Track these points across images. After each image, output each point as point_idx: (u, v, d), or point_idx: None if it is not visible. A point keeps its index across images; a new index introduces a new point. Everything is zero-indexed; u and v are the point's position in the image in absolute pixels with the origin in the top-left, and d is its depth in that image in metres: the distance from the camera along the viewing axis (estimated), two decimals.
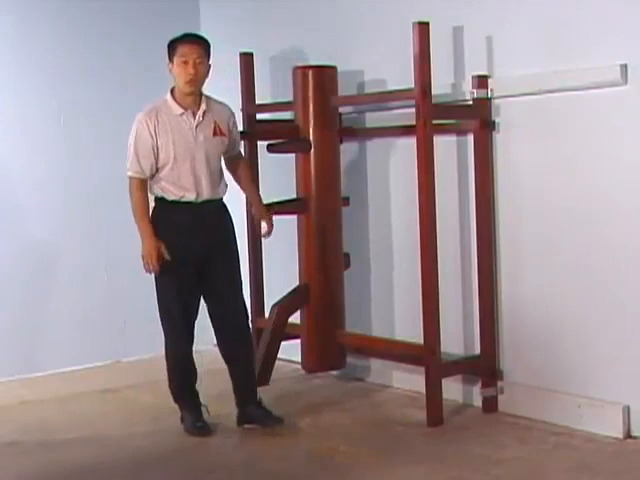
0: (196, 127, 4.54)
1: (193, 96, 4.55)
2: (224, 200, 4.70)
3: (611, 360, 4.36)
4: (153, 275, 4.59)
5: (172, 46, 4.57)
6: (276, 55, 5.96)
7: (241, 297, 4.75)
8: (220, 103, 4.70)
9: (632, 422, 4.30)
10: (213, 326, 4.71)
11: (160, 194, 4.56)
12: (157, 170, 4.53)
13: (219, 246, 4.61)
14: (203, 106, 4.56)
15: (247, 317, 4.75)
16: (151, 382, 5.36)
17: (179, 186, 4.52)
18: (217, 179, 4.62)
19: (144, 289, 5.91)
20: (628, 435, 4.31)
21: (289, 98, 5.36)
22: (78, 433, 4.78)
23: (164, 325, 4.64)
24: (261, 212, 4.93)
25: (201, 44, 4.57)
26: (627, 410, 4.30)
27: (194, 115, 4.54)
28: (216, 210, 4.63)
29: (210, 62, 4.60)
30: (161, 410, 4.99)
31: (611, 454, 4.15)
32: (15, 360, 5.83)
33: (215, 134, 4.59)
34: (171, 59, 4.55)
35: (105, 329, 6.11)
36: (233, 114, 4.75)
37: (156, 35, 6.33)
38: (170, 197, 4.54)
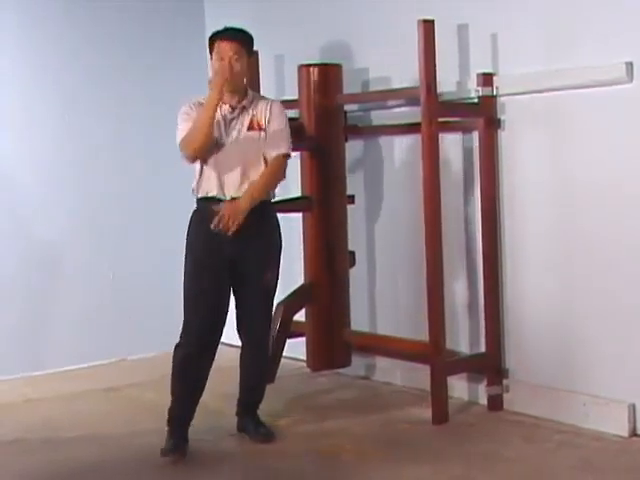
0: (230, 120, 4.32)
1: (233, 92, 4.33)
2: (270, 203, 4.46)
3: (616, 358, 4.34)
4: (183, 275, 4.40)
5: (211, 41, 4.37)
6: (281, 53, 5.96)
7: (267, 312, 4.52)
8: (266, 99, 4.47)
9: (637, 420, 4.29)
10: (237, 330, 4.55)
11: (193, 194, 4.40)
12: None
13: (249, 251, 4.34)
14: (244, 102, 4.35)
15: (266, 333, 4.55)
16: (155, 380, 5.35)
17: (205, 180, 4.33)
18: (253, 177, 4.33)
19: (149, 288, 5.94)
20: (633, 433, 4.29)
21: (294, 96, 5.35)
22: (82, 431, 4.78)
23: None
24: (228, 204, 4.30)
25: (238, 40, 4.31)
26: (632, 408, 4.29)
27: (232, 109, 4.33)
28: (251, 211, 4.27)
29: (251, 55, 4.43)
30: (165, 408, 4.96)
31: (616, 452, 4.14)
32: (20, 358, 5.84)
33: (251, 128, 4.33)
34: (211, 55, 4.36)
35: (110, 327, 6.11)
36: (275, 106, 4.41)
37: (161, 34, 6.39)
38: (199, 194, 4.36)
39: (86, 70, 6.07)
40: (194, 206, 4.42)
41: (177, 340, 4.46)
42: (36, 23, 5.92)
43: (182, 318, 4.42)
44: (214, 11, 6.51)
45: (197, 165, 4.36)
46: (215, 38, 4.36)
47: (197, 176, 4.38)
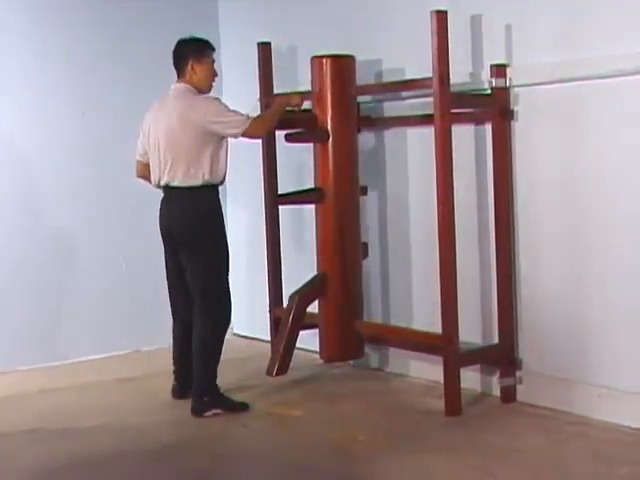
0: None
1: None
2: None
3: (631, 350, 4.33)
4: (211, 254, 4.82)
5: (208, 47, 4.90)
6: (294, 45, 5.95)
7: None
8: None
9: None
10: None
11: (209, 180, 4.75)
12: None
13: None
14: None
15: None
16: (170, 371, 5.35)
17: (221, 166, 4.83)
18: None
19: (163, 279, 5.92)
20: None
21: (307, 88, 5.35)
22: (96, 421, 4.80)
23: (226, 303, 4.88)
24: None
25: None
26: None
27: None
28: None
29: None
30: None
31: (629, 444, 4.14)
32: (34, 349, 5.88)
33: None
34: (206, 58, 4.87)
35: (124, 319, 6.14)
36: None
37: (174, 27, 6.32)
38: (218, 179, 4.81)
39: (102, 63, 6.12)
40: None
41: None
42: (49, 22, 5.99)
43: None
44: (227, 3, 6.49)
45: (206, 154, 4.71)
46: (210, 49, 4.93)
47: (209, 164, 4.73)
